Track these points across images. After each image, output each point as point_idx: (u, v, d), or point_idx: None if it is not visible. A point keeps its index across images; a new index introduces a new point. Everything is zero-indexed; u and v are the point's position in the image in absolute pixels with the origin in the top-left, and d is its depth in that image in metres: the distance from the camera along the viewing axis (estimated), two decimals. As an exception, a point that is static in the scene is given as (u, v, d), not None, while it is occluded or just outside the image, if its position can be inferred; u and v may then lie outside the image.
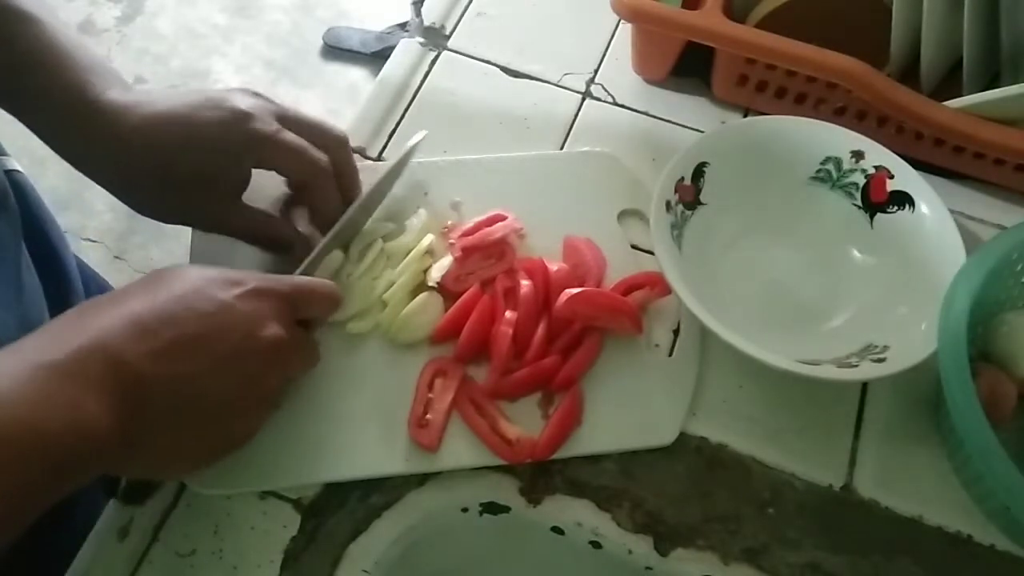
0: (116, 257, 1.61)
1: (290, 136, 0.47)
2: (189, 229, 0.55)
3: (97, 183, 0.46)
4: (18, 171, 0.58)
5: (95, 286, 0.69)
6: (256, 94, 0.48)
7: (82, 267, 0.67)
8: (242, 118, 0.45)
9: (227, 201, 0.48)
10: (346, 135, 0.51)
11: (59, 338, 0.36)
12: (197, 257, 0.54)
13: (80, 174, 0.46)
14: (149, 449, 0.38)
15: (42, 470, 0.33)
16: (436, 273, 0.51)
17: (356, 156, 0.53)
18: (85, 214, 1.64)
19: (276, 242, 0.50)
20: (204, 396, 0.39)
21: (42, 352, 0.35)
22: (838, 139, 0.54)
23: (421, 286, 0.51)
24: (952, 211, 0.51)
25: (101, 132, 0.44)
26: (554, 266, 0.51)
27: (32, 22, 0.45)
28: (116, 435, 0.36)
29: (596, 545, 0.47)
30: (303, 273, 0.48)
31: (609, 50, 0.66)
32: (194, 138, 0.45)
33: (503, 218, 0.53)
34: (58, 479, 0.34)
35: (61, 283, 0.61)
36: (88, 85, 0.44)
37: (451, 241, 0.52)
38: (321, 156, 0.48)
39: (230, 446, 0.42)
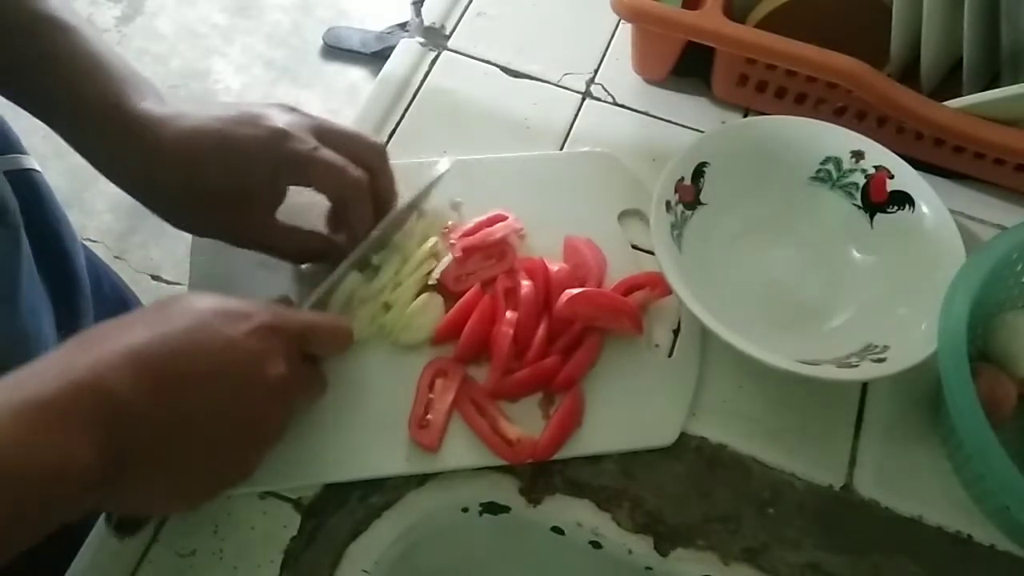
0: (116, 257, 1.61)
1: (327, 154, 0.46)
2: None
3: (128, 193, 0.46)
4: (35, 171, 0.58)
5: (107, 283, 0.68)
6: (292, 109, 0.47)
7: (95, 263, 0.67)
8: (280, 136, 0.45)
9: (260, 218, 0.47)
10: (384, 145, 0.50)
11: (53, 371, 0.35)
12: (197, 258, 0.54)
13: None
14: (140, 488, 0.37)
15: (27, 507, 0.33)
16: (435, 271, 0.51)
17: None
18: (85, 214, 1.64)
19: (309, 256, 0.49)
20: (201, 436, 0.38)
21: (33, 387, 0.34)
22: (838, 139, 0.54)
23: (423, 287, 0.51)
24: (952, 211, 0.51)
25: (135, 143, 0.44)
26: (555, 266, 0.51)
27: (69, 31, 0.44)
28: (104, 474, 0.34)
29: (596, 545, 0.47)
30: (319, 299, 0.47)
31: (609, 50, 0.66)
32: (229, 155, 0.44)
33: (503, 218, 0.53)
34: (44, 516, 0.34)
35: (69, 286, 0.60)
36: (123, 95, 0.44)
37: (452, 241, 0.52)
38: (359, 174, 0.47)
39: (227, 484, 0.41)
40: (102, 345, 0.37)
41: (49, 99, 0.44)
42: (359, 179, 0.47)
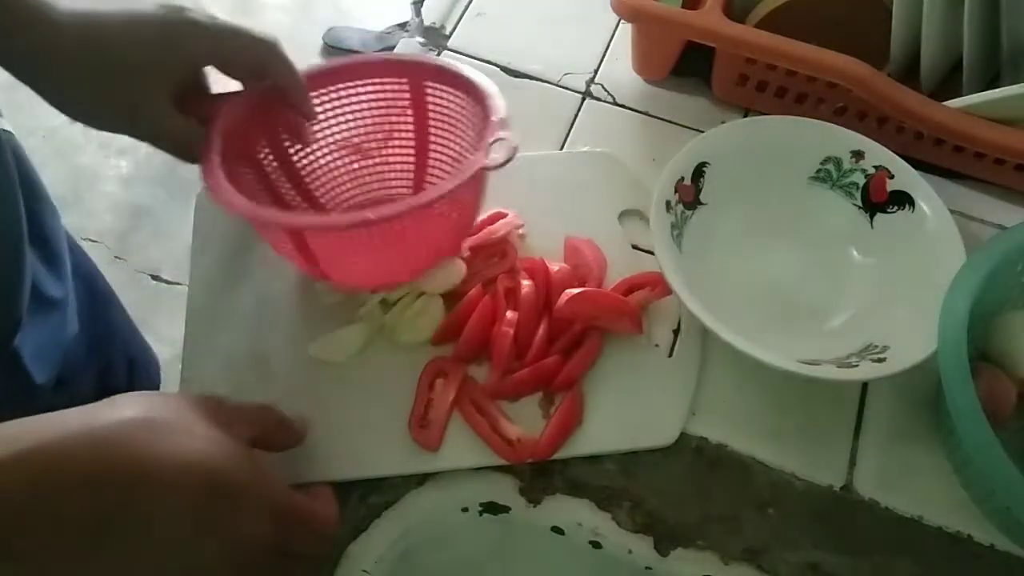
0: (116, 257, 1.61)
1: (226, 22, 0.44)
2: (189, 228, 0.55)
3: (28, 84, 0.43)
4: (8, 131, 0.55)
5: (101, 284, 0.67)
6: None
7: (82, 263, 0.66)
8: (180, 9, 0.43)
9: (164, 101, 0.44)
10: (274, 37, 0.46)
11: None
12: (198, 258, 0.54)
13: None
14: None
15: None
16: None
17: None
18: (85, 214, 1.64)
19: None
20: None
21: None
22: (838, 139, 0.54)
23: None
24: (952, 211, 0.51)
25: (33, 19, 0.41)
26: (555, 266, 0.51)
27: None
28: None
29: (596, 545, 0.47)
30: None
31: (609, 50, 0.66)
32: (132, 26, 0.43)
33: (504, 216, 0.53)
34: None
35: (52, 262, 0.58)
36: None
37: (451, 241, 0.52)
38: (266, 35, 0.45)
39: None
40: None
41: None
42: (267, 37, 0.45)
